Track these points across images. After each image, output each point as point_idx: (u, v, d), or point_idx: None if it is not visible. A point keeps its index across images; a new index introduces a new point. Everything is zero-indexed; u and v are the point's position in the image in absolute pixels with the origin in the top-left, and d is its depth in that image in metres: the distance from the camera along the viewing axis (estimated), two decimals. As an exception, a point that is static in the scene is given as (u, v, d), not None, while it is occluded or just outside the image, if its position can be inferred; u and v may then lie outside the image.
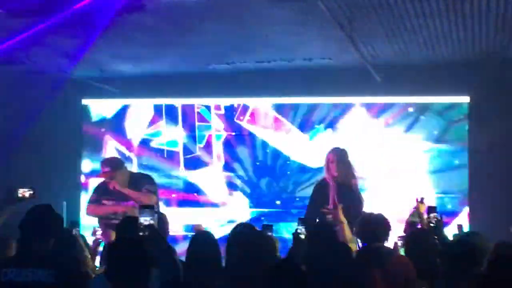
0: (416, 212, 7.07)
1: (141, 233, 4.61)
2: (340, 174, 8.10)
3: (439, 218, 6.54)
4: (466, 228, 8.85)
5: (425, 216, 6.53)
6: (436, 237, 6.16)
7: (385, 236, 5.95)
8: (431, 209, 6.59)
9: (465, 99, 10.25)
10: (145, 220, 4.65)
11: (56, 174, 10.95)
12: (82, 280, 4.92)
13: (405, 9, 7.37)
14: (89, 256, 6.49)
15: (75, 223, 7.01)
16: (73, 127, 11.54)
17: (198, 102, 11.30)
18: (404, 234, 6.78)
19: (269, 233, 6.13)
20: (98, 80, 11.12)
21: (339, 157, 8.19)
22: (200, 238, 5.56)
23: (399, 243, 6.60)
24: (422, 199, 7.13)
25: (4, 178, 6.91)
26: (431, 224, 6.39)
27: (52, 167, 11.00)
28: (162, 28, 8.26)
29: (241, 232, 5.53)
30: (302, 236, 6.12)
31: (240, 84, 10.73)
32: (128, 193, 8.38)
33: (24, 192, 6.45)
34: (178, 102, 11.40)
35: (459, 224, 8.29)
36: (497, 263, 4.52)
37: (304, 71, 10.25)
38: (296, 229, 6.25)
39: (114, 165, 8.62)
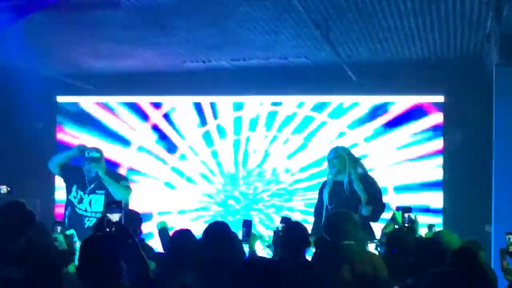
0: (391, 222, 7.03)
1: (107, 230, 4.58)
2: (339, 172, 8.12)
3: (413, 218, 6.59)
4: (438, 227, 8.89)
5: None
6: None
7: (354, 234, 5.96)
8: (405, 210, 6.62)
9: (439, 99, 10.30)
10: (112, 216, 4.61)
11: (31, 171, 10.86)
12: (54, 277, 4.87)
13: (380, 8, 7.38)
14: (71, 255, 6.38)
15: (60, 223, 6.76)
16: (48, 124, 11.48)
17: (173, 100, 11.30)
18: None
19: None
20: (73, 78, 11.07)
21: (336, 156, 8.21)
22: (180, 236, 5.57)
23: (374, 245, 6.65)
24: (398, 208, 7.11)
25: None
26: (406, 225, 6.44)
27: (27, 165, 10.92)
28: (137, 26, 8.22)
29: (213, 230, 5.52)
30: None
31: (215, 83, 10.72)
32: (108, 183, 8.44)
33: (2, 188, 6.45)
34: (157, 99, 11.43)
35: (430, 224, 8.33)
36: (456, 260, 4.59)
37: (280, 70, 10.25)
38: (277, 227, 6.34)
39: (101, 152, 8.67)
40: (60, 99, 11.64)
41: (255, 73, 10.40)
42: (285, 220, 6.41)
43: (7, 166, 10.35)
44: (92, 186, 8.60)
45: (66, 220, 8.50)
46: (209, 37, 8.80)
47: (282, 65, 10.10)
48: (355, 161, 8.24)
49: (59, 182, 9.94)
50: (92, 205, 8.56)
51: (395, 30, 8.25)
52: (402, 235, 6.24)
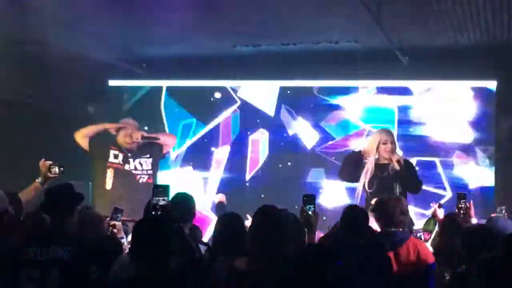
0: (432, 219, 6.98)
1: (153, 213, 4.63)
2: (390, 155, 8.09)
3: (467, 205, 6.50)
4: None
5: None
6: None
7: (403, 221, 5.92)
8: (460, 196, 6.54)
9: (492, 84, 10.17)
10: (158, 200, 4.66)
11: (82, 155, 10.96)
12: (103, 258, 4.92)
13: (433, -8, 7.34)
14: (119, 237, 6.44)
15: (121, 211, 6.68)
16: (99, 108, 11.58)
17: (223, 84, 11.32)
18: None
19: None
20: (125, 62, 11.15)
21: (392, 138, 8.19)
22: (228, 219, 5.59)
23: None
24: (440, 204, 7.04)
25: (39, 155, 7.02)
26: (461, 211, 6.36)
27: (78, 148, 11.01)
28: (189, 9, 8.25)
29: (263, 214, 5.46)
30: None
31: (265, 67, 10.73)
32: (154, 135, 9.31)
33: (55, 169, 6.55)
34: (205, 84, 11.41)
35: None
36: (509, 246, 4.52)
37: (330, 54, 10.22)
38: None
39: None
40: (112, 83, 11.73)
41: (304, 57, 10.38)
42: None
43: (59, 149, 10.44)
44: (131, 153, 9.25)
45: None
46: (260, 21, 8.80)
47: (332, 49, 10.06)
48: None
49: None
50: (143, 165, 9.22)
51: (447, 14, 8.17)
52: (456, 221, 6.18)
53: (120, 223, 6.46)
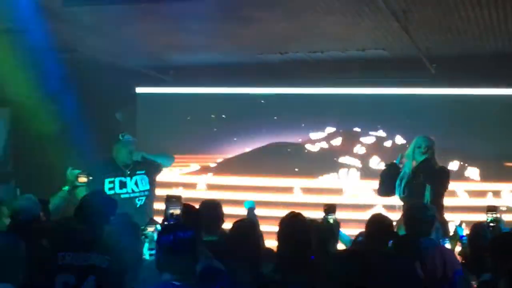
0: (454, 238, 6.98)
1: (166, 223, 4.69)
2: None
3: (498, 217, 6.50)
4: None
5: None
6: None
7: (429, 228, 5.91)
8: (490, 209, 6.54)
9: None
10: (173, 209, 4.72)
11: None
12: (135, 266, 4.97)
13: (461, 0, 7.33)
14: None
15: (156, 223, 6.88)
16: (127, 115, 11.66)
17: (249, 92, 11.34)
18: None
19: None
20: (152, 69, 11.22)
21: (427, 143, 8.14)
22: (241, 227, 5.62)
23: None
24: (461, 222, 7.03)
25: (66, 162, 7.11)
26: (491, 224, 6.36)
27: (107, 155, 11.06)
28: (216, 17, 8.29)
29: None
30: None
31: (292, 74, 10.75)
32: (154, 156, 8.85)
33: (83, 177, 6.60)
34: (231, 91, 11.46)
35: None
36: None
37: (357, 62, 10.23)
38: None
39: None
40: (139, 90, 11.80)
41: (332, 65, 10.38)
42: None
43: (88, 156, 10.51)
44: (129, 170, 8.80)
45: None
46: (286, 29, 8.82)
47: (359, 57, 10.07)
48: None
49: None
50: (139, 185, 8.73)
51: (475, 21, 8.15)
52: (485, 233, 6.17)
53: (153, 234, 6.52)
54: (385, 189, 8.28)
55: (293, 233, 4.76)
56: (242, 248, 5.27)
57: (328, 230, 5.73)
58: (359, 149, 11.05)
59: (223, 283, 4.63)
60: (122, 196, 8.68)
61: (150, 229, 6.47)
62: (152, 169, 8.90)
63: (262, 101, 11.30)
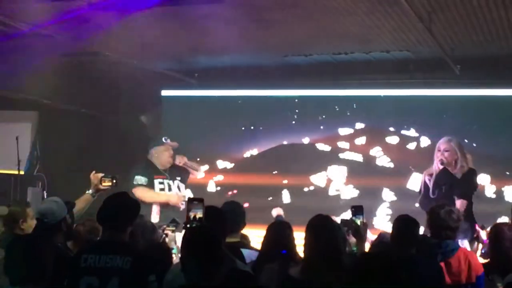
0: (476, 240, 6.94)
1: (188, 225, 4.72)
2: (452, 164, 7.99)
3: None
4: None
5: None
6: None
7: (454, 231, 5.89)
8: None
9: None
10: (194, 212, 4.76)
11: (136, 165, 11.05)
12: (159, 268, 4.97)
13: (485, 0, 7.29)
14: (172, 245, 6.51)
15: (177, 223, 6.82)
16: (153, 117, 11.72)
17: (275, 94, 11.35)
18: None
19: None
20: (177, 71, 11.27)
21: (450, 146, 8.06)
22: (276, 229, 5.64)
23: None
24: (483, 226, 6.98)
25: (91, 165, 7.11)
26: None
27: (130, 157, 11.10)
28: (240, 20, 8.31)
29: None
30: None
31: (317, 76, 10.75)
32: (196, 166, 9.09)
33: (107, 181, 6.61)
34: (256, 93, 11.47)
35: None
36: None
37: (381, 63, 10.22)
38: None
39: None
40: (165, 92, 11.84)
41: (356, 66, 10.38)
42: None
43: (113, 158, 10.58)
44: (167, 173, 8.94)
45: None
46: (311, 31, 8.83)
47: (383, 59, 10.06)
48: None
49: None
50: (181, 190, 8.96)
51: (500, 22, 8.12)
52: (503, 231, 6.13)
53: (174, 234, 6.56)
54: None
55: (321, 235, 4.77)
56: (276, 249, 5.32)
57: (355, 231, 5.70)
58: (383, 150, 10.94)
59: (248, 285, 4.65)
60: None
61: (170, 228, 6.55)
62: (185, 176, 8.99)
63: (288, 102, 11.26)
